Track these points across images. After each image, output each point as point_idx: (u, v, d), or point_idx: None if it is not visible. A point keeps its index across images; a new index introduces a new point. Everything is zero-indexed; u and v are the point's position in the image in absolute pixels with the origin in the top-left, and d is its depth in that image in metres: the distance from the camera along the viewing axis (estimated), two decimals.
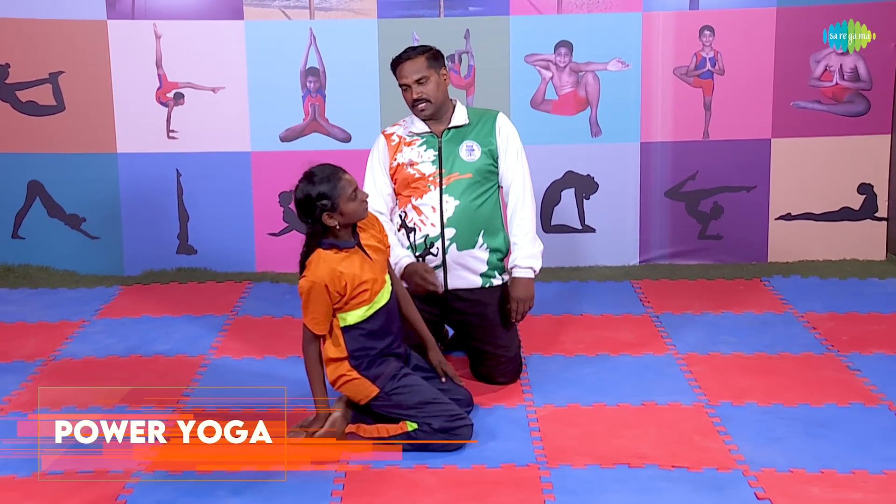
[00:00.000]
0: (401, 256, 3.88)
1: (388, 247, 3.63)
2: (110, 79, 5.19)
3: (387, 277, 3.55)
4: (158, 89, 5.23)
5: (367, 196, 3.48)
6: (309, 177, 3.40)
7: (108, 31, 5.15)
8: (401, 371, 3.52)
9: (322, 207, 3.36)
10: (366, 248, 3.48)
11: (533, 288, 3.93)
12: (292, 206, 5.09)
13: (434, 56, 3.86)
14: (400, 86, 3.87)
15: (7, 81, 5.22)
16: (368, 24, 5.17)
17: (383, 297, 3.50)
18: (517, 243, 3.93)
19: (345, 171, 3.44)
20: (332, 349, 3.49)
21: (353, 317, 3.46)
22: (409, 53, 3.84)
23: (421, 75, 3.82)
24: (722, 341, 4.39)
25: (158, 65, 5.20)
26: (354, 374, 3.48)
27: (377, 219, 3.64)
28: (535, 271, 3.93)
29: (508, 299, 3.93)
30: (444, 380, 3.66)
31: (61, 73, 5.20)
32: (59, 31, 5.15)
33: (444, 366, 3.70)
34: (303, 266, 3.45)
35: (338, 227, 3.41)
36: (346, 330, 3.47)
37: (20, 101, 5.23)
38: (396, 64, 3.86)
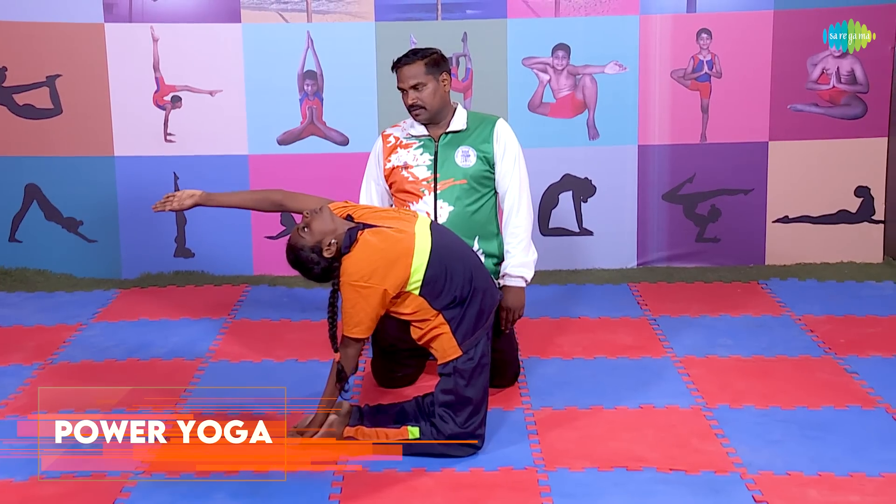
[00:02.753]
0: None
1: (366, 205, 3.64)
2: (107, 82, 5.19)
3: (418, 229, 3.45)
4: (156, 92, 5.23)
5: (307, 210, 3.44)
6: (294, 253, 3.40)
7: (105, 34, 5.15)
8: (482, 361, 3.45)
9: (318, 255, 3.36)
10: (368, 222, 3.44)
11: (524, 296, 3.91)
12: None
13: (434, 62, 3.83)
14: (398, 89, 3.87)
15: (4, 84, 5.21)
16: (366, 28, 5.17)
17: (423, 248, 3.39)
18: (510, 251, 3.90)
19: (288, 245, 3.43)
20: (420, 311, 3.42)
21: (415, 280, 3.38)
22: (409, 58, 3.82)
23: (417, 81, 3.80)
24: (719, 344, 4.39)
25: (156, 68, 5.20)
26: (446, 328, 3.42)
27: (339, 204, 3.59)
28: (526, 280, 3.90)
29: (500, 307, 3.92)
30: None
31: (58, 76, 5.20)
32: (57, 35, 5.15)
33: None
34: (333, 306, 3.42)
35: (339, 244, 3.37)
36: (423, 291, 3.39)
37: (17, 104, 5.23)
38: (396, 67, 3.85)
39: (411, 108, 3.84)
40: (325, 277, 3.42)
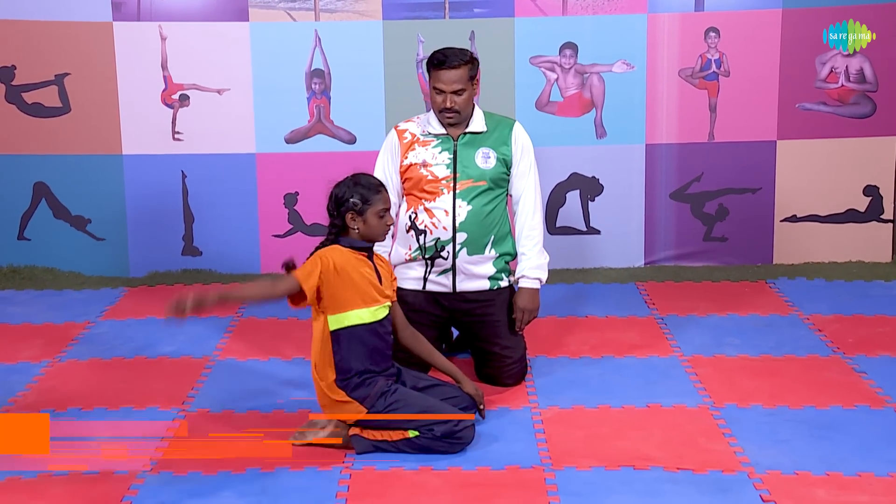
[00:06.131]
0: None
1: (395, 281, 3.67)
2: (116, 80, 5.20)
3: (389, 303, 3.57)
4: (164, 91, 5.24)
5: (392, 223, 3.51)
6: (355, 178, 3.47)
7: (113, 32, 5.16)
8: (390, 387, 3.47)
9: (352, 206, 3.41)
10: (378, 268, 3.51)
11: (539, 298, 3.94)
12: (297, 207, 5.15)
13: (474, 67, 3.81)
14: (433, 87, 3.82)
15: (13, 83, 5.22)
16: (373, 26, 5.18)
17: (385, 310, 3.51)
18: (525, 254, 3.93)
19: (386, 191, 3.50)
20: (320, 338, 3.47)
21: (354, 317, 3.42)
22: (454, 61, 3.76)
23: (460, 87, 3.77)
24: (727, 343, 4.38)
25: (164, 66, 5.21)
26: (343, 395, 3.45)
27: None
28: (541, 282, 3.94)
29: (514, 308, 3.93)
30: (481, 407, 3.62)
31: (67, 74, 5.21)
32: (65, 33, 5.16)
33: (481, 396, 3.64)
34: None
35: (356, 232, 3.44)
36: (346, 341, 3.43)
37: (26, 102, 5.24)
38: (438, 67, 3.78)
39: (444, 112, 3.81)
40: (333, 200, 3.46)
